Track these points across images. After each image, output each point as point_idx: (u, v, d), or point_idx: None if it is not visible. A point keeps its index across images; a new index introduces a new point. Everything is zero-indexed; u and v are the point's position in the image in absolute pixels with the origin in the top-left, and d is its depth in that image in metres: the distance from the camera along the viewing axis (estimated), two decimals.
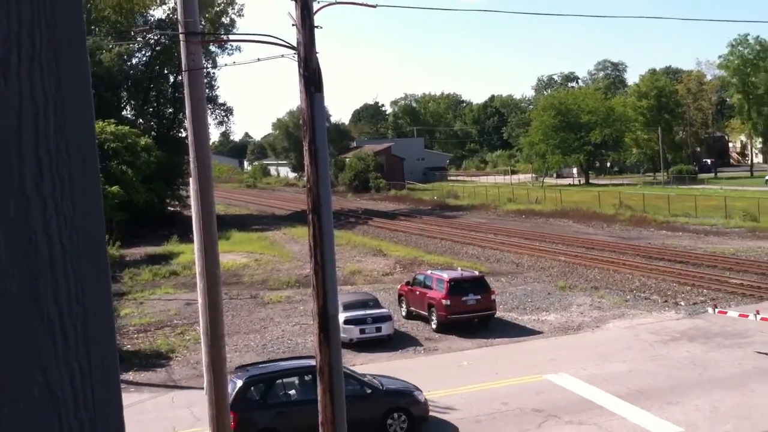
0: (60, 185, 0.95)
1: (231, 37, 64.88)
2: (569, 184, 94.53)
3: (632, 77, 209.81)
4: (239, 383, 16.86)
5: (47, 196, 0.95)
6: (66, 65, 0.95)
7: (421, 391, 18.14)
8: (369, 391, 17.75)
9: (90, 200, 0.98)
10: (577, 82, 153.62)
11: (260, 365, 18.33)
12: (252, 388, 16.96)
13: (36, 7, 0.93)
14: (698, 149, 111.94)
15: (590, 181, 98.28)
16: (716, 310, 25.35)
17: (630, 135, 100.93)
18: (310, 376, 16.25)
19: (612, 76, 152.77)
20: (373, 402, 17.52)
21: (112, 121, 50.84)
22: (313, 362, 17.84)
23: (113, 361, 1.00)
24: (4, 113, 0.92)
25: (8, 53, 0.92)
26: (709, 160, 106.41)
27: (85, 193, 0.97)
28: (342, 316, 21.80)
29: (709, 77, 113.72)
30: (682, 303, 28.69)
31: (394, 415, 17.53)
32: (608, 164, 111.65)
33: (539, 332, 25.70)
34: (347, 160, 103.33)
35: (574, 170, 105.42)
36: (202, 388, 12.33)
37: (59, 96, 0.95)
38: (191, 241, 12.99)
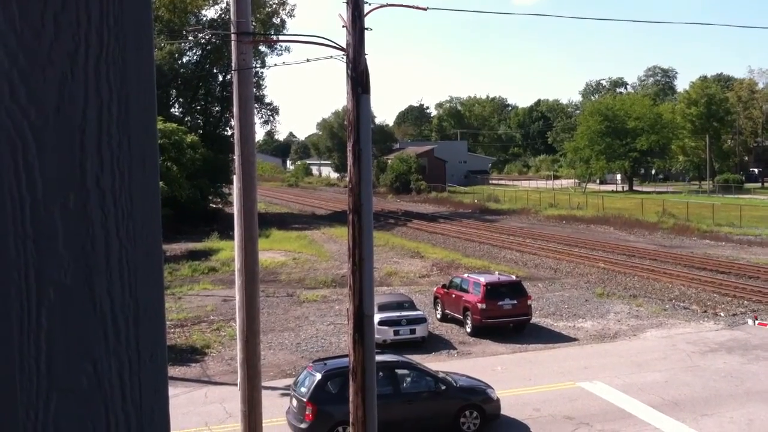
0: (120, 179, 0.97)
1: (281, 37, 65.39)
2: (612, 191, 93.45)
3: (682, 84, 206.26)
4: (318, 376, 16.95)
5: (107, 190, 0.96)
6: (132, 62, 0.97)
7: (494, 389, 18.21)
8: (443, 387, 17.85)
9: (148, 195, 0.99)
10: (626, 88, 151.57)
11: (337, 358, 18.23)
12: (329, 381, 16.98)
13: (105, 3, 0.95)
14: (746, 158, 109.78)
15: (634, 188, 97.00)
16: (756, 321, 25.04)
17: (677, 142, 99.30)
18: (382, 373, 16.41)
19: (662, 82, 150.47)
20: (448, 398, 17.65)
21: (160, 118, 51.65)
22: (388, 358, 18.14)
23: (162, 355, 1.01)
24: (69, 108, 0.94)
25: (76, 49, 0.94)
26: (756, 170, 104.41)
27: (144, 188, 0.98)
28: (376, 317, 21.92)
29: (761, 85, 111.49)
30: (722, 314, 28.31)
31: (467, 412, 17.63)
32: (653, 171, 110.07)
33: (574, 339, 25.59)
34: (389, 161, 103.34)
35: (618, 177, 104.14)
36: (236, 384, 12.54)
37: (123, 92, 0.96)
38: (231, 237, 13.21)
